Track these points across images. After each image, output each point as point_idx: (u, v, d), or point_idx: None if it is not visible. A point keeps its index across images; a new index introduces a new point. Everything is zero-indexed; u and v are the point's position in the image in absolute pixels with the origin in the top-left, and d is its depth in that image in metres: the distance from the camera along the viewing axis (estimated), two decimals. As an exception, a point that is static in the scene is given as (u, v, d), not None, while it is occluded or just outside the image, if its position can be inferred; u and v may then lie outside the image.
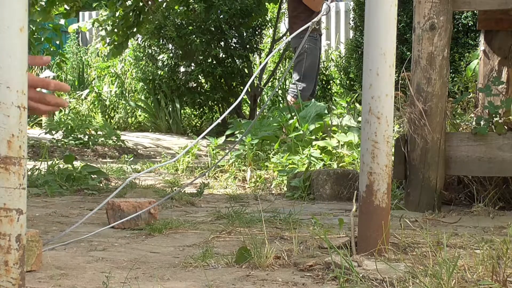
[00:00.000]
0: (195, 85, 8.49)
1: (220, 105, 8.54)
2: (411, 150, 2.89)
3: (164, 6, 8.45)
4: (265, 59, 7.21)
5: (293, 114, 4.97)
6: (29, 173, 3.73)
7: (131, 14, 8.70)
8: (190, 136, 7.73)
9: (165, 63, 8.46)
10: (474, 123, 2.98)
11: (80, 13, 12.48)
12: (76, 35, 11.99)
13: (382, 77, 1.85)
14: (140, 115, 9.18)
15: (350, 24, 8.77)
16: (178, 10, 8.33)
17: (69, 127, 6.31)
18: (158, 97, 8.50)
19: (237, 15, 7.96)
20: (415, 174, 2.88)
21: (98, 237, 2.21)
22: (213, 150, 4.84)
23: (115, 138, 6.42)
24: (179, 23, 8.05)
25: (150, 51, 8.59)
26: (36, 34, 9.35)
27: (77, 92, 9.94)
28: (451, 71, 6.17)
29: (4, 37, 1.18)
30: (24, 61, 1.21)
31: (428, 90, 2.86)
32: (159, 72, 8.57)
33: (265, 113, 6.80)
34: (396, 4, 1.86)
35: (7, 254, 1.20)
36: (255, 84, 8.23)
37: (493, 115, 2.93)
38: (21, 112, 1.20)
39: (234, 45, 8.28)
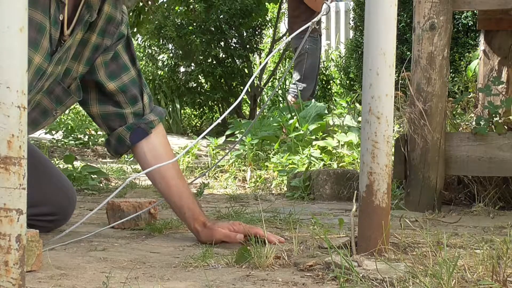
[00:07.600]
0: (195, 85, 8.49)
1: (220, 105, 8.54)
2: (411, 150, 2.89)
3: (164, 6, 8.45)
4: (265, 59, 7.21)
5: (293, 114, 4.97)
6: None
7: (131, 14, 8.69)
8: (190, 136, 7.73)
9: (165, 63, 8.46)
10: (474, 123, 2.97)
11: (80, 13, 12.47)
12: (76, 35, 11.99)
13: (382, 77, 1.85)
14: (140, 115, 9.17)
15: (350, 24, 8.77)
16: (178, 10, 8.32)
17: (69, 127, 6.31)
18: (158, 97, 8.50)
19: (237, 15, 7.96)
20: (415, 174, 2.88)
21: (98, 237, 2.21)
22: (213, 150, 4.84)
23: (115, 138, 6.41)
24: (179, 23, 8.04)
25: (150, 51, 8.59)
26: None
27: (77, 92, 9.93)
28: (451, 71, 6.17)
29: (4, 37, 1.18)
30: (24, 61, 1.21)
31: (428, 90, 2.86)
32: (159, 72, 8.56)
33: (265, 113, 6.80)
34: (396, 4, 1.86)
35: (7, 254, 1.20)
36: (255, 84, 8.22)
37: (493, 115, 2.93)
38: (21, 112, 1.20)
39: (234, 45, 8.27)
